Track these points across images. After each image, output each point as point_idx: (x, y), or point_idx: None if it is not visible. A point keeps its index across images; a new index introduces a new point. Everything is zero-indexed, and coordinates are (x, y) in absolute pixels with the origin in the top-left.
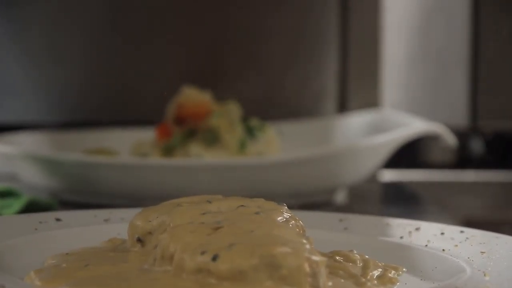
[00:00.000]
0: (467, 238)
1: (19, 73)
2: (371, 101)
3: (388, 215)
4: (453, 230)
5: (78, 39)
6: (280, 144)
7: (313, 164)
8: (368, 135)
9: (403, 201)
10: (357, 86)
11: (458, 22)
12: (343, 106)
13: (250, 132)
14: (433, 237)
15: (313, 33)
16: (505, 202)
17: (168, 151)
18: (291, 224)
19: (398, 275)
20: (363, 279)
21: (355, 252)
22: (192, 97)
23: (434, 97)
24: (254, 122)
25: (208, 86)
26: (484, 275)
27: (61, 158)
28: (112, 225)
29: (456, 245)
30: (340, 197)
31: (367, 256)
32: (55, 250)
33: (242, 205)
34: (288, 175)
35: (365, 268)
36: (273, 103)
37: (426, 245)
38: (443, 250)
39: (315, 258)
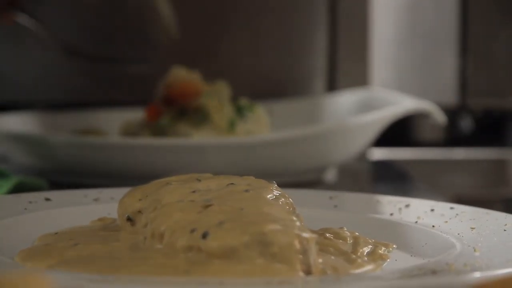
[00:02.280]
0: (457, 214)
1: (7, 54)
2: (361, 79)
3: (378, 193)
4: (443, 207)
5: (67, 19)
6: (269, 124)
7: (303, 143)
8: (357, 113)
9: (393, 179)
10: (346, 65)
11: (447, 0)
12: (333, 85)
13: (239, 111)
14: (423, 213)
15: (302, 12)
16: (494, 179)
17: (157, 131)
18: (281, 201)
19: (388, 251)
20: (354, 256)
21: (345, 229)
22: (182, 77)
23: (424, 75)
24: (244, 101)
25: (197, 66)
26: (474, 250)
27: (51, 139)
28: (102, 205)
29: (446, 221)
30: (330, 175)
31: (357, 233)
32: (44, 230)
33: (232, 183)
34: (278, 154)
35: (356, 245)
36: (262, 83)
37: (416, 222)
38: (433, 226)
39: (305, 235)
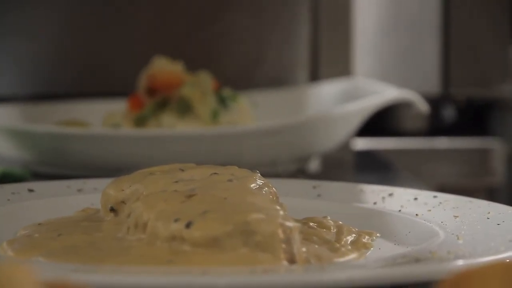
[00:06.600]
0: (440, 203)
1: None
2: (343, 69)
3: (362, 182)
4: (426, 195)
5: (49, 11)
6: (252, 114)
7: (286, 133)
8: (340, 103)
9: (376, 169)
10: (329, 55)
11: None
12: (315, 75)
13: (222, 102)
14: (406, 202)
15: (284, 2)
16: (477, 168)
17: (140, 121)
18: (264, 191)
19: (372, 240)
20: (337, 245)
21: (329, 218)
22: (164, 67)
23: (406, 65)
24: (227, 92)
25: (180, 56)
26: (458, 238)
27: (33, 130)
28: (86, 195)
29: (430, 210)
30: (314, 165)
31: (341, 222)
32: (28, 221)
33: (215, 173)
34: (261, 145)
35: (339, 234)
36: (245, 73)
37: (400, 211)
38: (416, 215)
39: (289, 224)
